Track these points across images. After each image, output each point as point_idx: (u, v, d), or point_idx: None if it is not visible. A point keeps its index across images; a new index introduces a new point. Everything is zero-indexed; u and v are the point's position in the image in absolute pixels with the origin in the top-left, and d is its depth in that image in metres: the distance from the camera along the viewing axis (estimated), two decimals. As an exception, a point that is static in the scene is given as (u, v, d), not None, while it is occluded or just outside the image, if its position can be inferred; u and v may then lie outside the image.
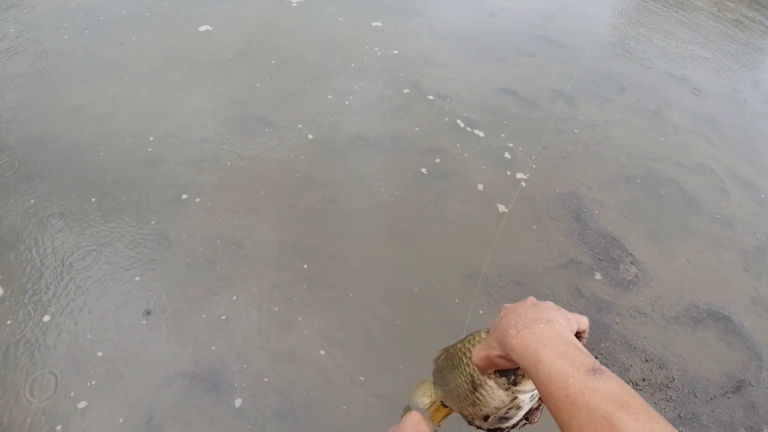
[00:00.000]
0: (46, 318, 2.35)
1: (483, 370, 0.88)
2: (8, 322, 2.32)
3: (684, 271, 3.22)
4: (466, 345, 0.96)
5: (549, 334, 0.76)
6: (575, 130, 4.04)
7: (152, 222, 2.82)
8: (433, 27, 5.01)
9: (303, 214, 3.00)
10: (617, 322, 2.84)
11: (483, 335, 0.93)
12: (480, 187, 3.36)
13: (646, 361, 2.70)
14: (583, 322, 0.84)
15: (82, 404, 2.11)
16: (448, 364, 1.02)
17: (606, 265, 3.09)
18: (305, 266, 2.74)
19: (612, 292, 2.97)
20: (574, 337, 0.77)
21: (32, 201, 2.82)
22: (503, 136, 3.81)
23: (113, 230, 2.75)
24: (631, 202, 3.56)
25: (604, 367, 0.68)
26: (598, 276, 3.02)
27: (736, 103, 5.01)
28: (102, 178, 3.00)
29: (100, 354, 2.27)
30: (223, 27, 4.44)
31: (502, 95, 4.23)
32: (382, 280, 2.74)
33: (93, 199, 2.88)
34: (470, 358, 0.91)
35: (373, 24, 4.86)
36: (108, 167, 3.07)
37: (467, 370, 0.93)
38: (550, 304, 0.85)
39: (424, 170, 3.41)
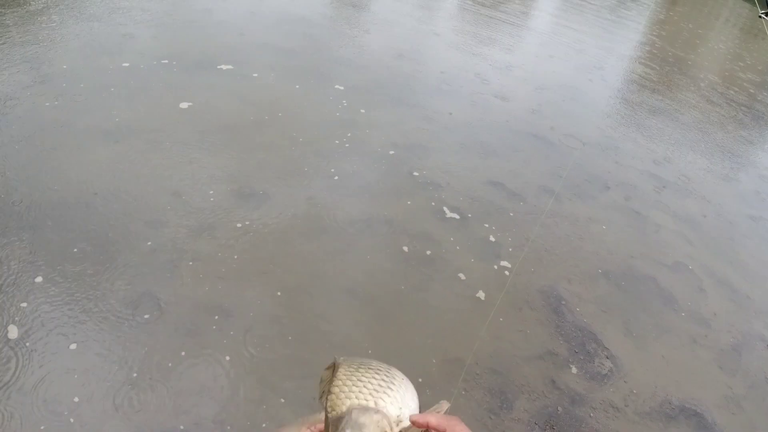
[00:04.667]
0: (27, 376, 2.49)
1: None
2: None
3: (658, 367, 3.33)
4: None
5: None
6: (559, 225, 4.26)
7: (145, 283, 3.00)
8: (429, 117, 5.38)
9: (291, 288, 3.17)
10: (591, 416, 2.93)
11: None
12: (462, 275, 3.54)
13: (617, 456, 2.78)
14: None
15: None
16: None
17: (582, 358, 3.22)
18: (289, 338, 2.88)
19: (586, 386, 3.08)
20: None
21: (26, 253, 3.02)
22: (490, 226, 4.04)
23: (107, 287, 2.92)
24: (609, 297, 3.72)
25: None
26: (573, 369, 3.14)
27: (717, 205, 5.26)
28: (103, 236, 3.22)
29: (80, 409, 2.38)
30: (203, 104, 4.80)
31: (491, 187, 4.50)
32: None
33: (90, 254, 3.08)
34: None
35: (362, 111, 5.24)
36: (108, 226, 3.30)
37: None
38: None
39: (409, 254, 3.61)
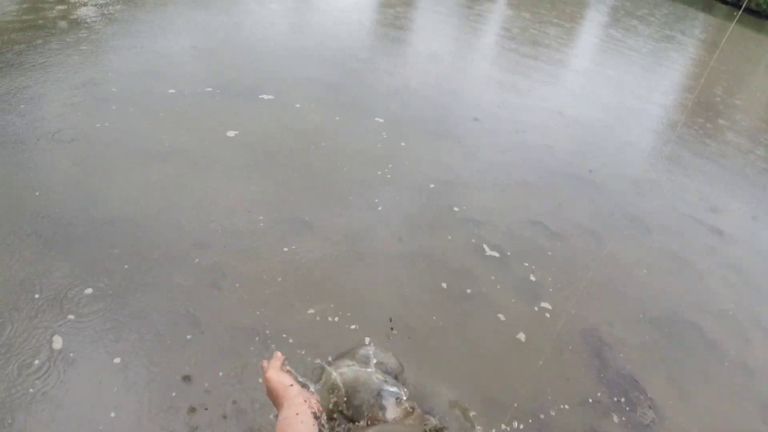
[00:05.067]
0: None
1: None
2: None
3: (701, 419, 3.21)
4: None
5: None
6: (600, 267, 4.20)
7: (188, 302, 3.06)
8: (469, 154, 5.42)
9: (332, 316, 3.18)
10: (633, 467, 2.85)
11: None
12: (502, 316, 3.50)
13: None
14: None
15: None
16: None
17: (624, 407, 3.13)
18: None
19: (628, 434, 2.99)
20: None
21: (75, 268, 3.13)
22: (530, 265, 4.00)
23: (152, 306, 2.99)
24: (653, 344, 3.63)
25: None
26: (615, 417, 3.05)
27: (762, 251, 5.13)
28: (149, 255, 3.33)
29: (115, 424, 2.40)
30: (248, 132, 4.95)
31: (532, 226, 4.47)
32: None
33: (136, 272, 3.18)
34: None
35: (402, 144, 5.30)
36: (155, 246, 3.42)
37: None
38: None
39: (448, 290, 3.59)
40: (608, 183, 5.55)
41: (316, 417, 1.44)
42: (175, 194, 3.92)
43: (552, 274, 3.97)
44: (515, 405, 2.94)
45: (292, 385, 1.56)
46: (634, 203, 5.33)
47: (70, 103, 4.78)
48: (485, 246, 4.10)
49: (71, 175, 3.93)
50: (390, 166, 4.85)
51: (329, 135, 5.19)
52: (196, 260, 3.38)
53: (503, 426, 2.81)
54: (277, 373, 1.63)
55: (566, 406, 3.03)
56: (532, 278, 3.89)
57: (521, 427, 2.82)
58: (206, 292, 3.18)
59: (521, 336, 3.39)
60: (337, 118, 5.60)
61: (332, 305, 3.28)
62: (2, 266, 3.13)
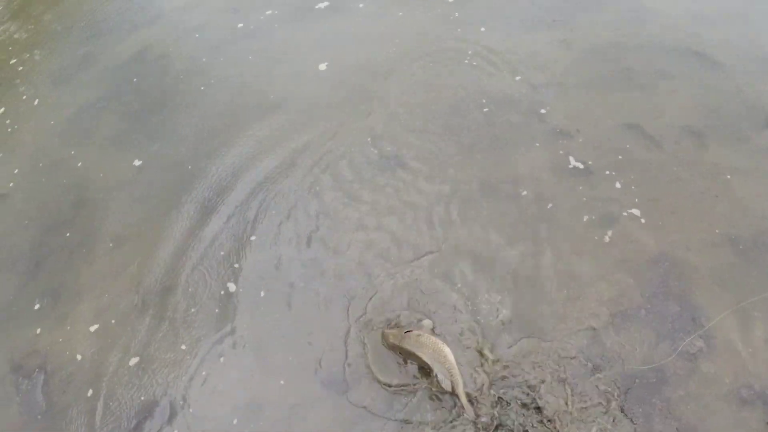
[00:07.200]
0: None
1: None
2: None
3: (756, 353, 3.27)
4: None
5: None
6: (695, 179, 4.04)
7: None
8: (567, 40, 5.08)
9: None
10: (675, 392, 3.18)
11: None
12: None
13: (677, 430, 3.07)
14: None
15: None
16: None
17: (674, 331, 3.37)
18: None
19: (674, 362, 3.26)
20: None
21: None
22: (616, 177, 4.08)
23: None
24: (729, 268, 3.60)
25: None
26: (664, 344, 3.33)
27: None
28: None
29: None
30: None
31: (627, 132, 4.34)
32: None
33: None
34: None
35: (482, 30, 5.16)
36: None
37: None
38: None
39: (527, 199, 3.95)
40: (735, 60, 4.76)
41: None
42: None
43: (642, 189, 4.02)
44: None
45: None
46: (759, 85, 4.59)
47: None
48: (571, 158, 4.17)
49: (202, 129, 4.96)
50: (470, 52, 4.89)
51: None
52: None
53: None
54: None
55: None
56: (616, 201, 3.98)
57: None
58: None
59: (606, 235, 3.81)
60: (401, 13, 5.50)
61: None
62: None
